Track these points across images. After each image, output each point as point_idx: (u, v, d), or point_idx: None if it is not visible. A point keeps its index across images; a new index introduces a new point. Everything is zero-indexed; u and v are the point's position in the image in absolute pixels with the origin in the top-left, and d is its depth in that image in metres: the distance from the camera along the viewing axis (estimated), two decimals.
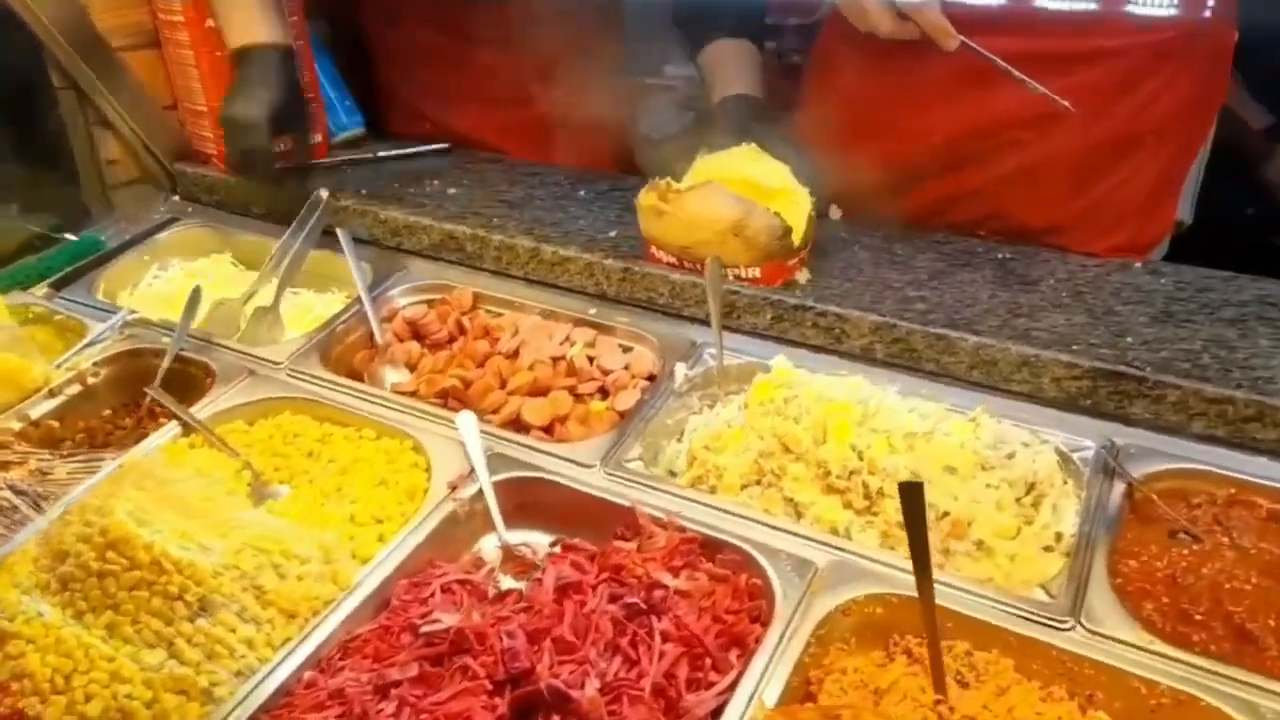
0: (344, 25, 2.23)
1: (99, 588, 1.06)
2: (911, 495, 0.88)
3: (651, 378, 1.53)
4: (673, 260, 1.60)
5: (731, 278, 1.55)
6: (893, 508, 1.15)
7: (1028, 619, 1.05)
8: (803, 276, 1.58)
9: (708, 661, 1.03)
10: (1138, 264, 1.64)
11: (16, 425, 1.46)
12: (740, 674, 1.01)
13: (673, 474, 1.37)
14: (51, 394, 1.52)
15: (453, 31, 2.10)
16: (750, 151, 1.64)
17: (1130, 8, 1.48)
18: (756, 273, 1.54)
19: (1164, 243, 1.77)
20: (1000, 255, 1.67)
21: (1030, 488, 1.16)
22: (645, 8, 2.25)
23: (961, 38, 1.44)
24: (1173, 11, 1.49)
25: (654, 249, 1.61)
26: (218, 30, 1.86)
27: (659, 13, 2.33)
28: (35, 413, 1.50)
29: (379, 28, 2.24)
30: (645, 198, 1.56)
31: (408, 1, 2.13)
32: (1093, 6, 1.47)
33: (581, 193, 1.98)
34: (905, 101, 1.66)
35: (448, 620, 1.05)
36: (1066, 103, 1.40)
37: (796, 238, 1.53)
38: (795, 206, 1.56)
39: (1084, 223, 1.68)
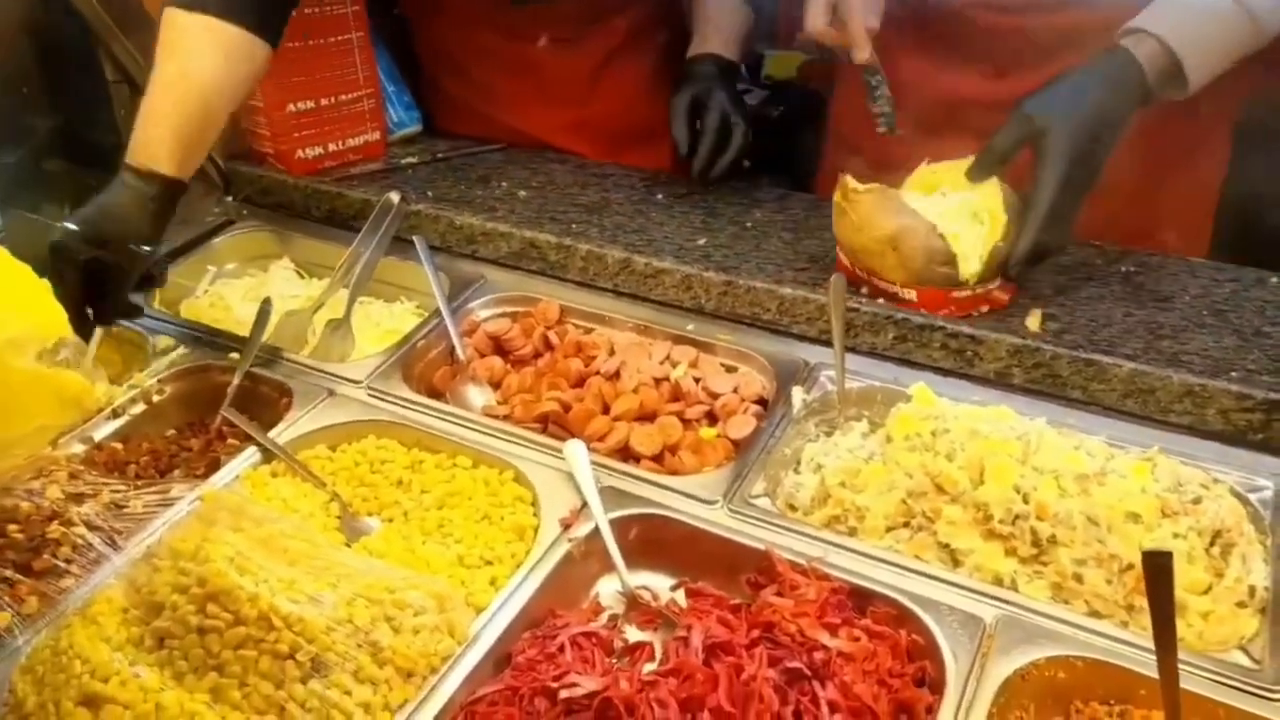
0: (390, 18, 2.11)
1: (200, 645, 0.96)
2: (1158, 565, 0.78)
3: (761, 401, 1.42)
4: (846, 264, 1.47)
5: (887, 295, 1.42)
6: (1066, 557, 1.05)
7: (1234, 687, 0.95)
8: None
9: None
10: (1274, 279, 1.53)
11: (80, 449, 1.36)
12: None
13: (792, 508, 1.26)
14: (115, 414, 1.42)
15: (508, 28, 1.98)
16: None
17: None
18: (913, 295, 1.38)
19: None
20: (1123, 268, 1.56)
21: (1216, 536, 1.06)
22: None
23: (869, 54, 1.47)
24: None
25: (840, 251, 1.49)
26: None
27: None
28: (99, 435, 1.39)
29: (429, 21, 2.12)
30: (836, 194, 1.42)
31: None
32: None
33: (659, 196, 1.86)
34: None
35: (588, 685, 0.95)
36: None
37: (965, 269, 1.36)
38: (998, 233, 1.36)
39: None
